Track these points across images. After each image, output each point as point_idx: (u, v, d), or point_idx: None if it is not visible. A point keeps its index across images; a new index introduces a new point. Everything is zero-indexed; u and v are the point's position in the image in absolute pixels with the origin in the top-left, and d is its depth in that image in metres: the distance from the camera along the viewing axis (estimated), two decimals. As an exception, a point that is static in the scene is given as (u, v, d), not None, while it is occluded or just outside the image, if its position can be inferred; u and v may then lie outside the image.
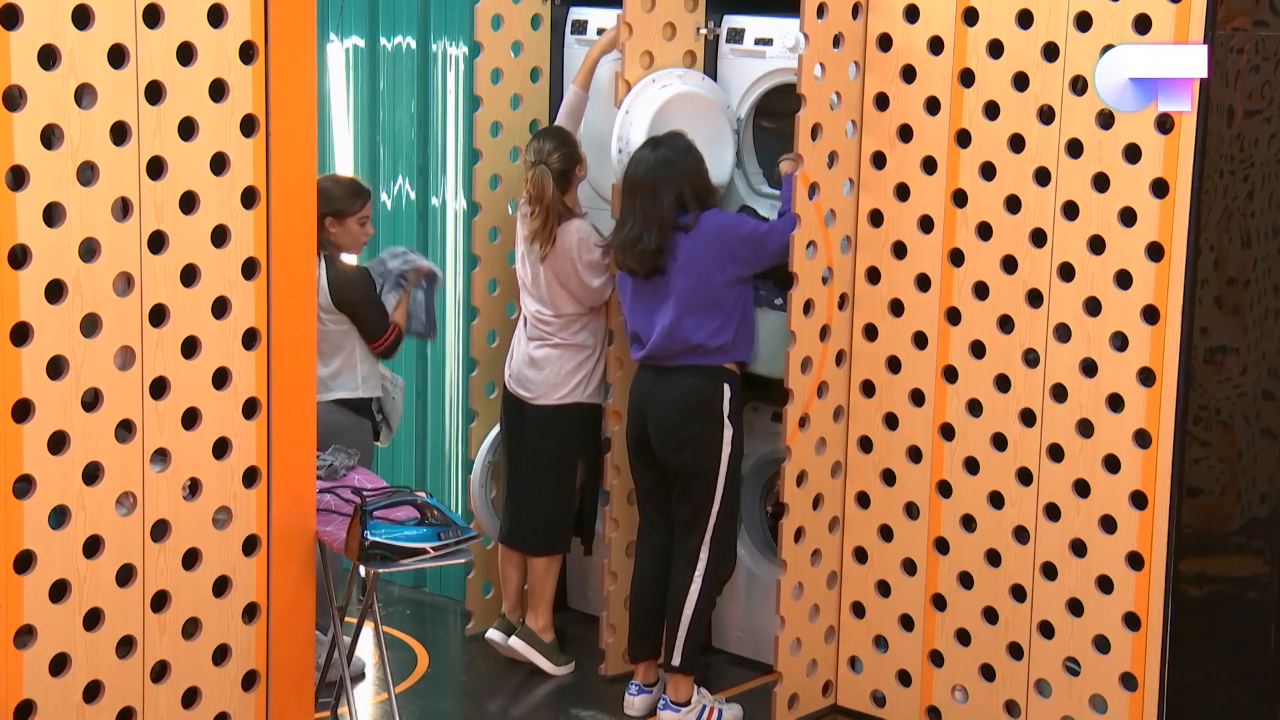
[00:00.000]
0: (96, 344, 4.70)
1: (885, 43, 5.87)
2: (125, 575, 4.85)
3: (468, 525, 5.77)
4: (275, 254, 5.03)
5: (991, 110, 5.66)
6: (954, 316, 5.83)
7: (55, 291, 4.60)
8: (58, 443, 4.67)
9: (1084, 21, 5.44)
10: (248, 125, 4.92)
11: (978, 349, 5.79)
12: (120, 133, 4.68)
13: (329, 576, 5.78)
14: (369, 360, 6.33)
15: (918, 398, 5.94)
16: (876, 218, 5.98)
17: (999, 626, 5.83)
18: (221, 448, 5.01)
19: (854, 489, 6.14)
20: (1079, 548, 5.64)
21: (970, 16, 5.67)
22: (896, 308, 5.96)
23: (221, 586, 5.06)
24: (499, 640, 6.68)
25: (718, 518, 6.07)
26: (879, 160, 5.94)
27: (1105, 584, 5.59)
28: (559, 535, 6.59)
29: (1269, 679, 5.43)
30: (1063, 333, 5.60)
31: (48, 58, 4.51)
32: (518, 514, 6.60)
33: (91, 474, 4.74)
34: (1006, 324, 5.71)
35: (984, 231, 5.73)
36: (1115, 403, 5.52)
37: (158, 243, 4.80)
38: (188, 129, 4.81)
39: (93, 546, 4.78)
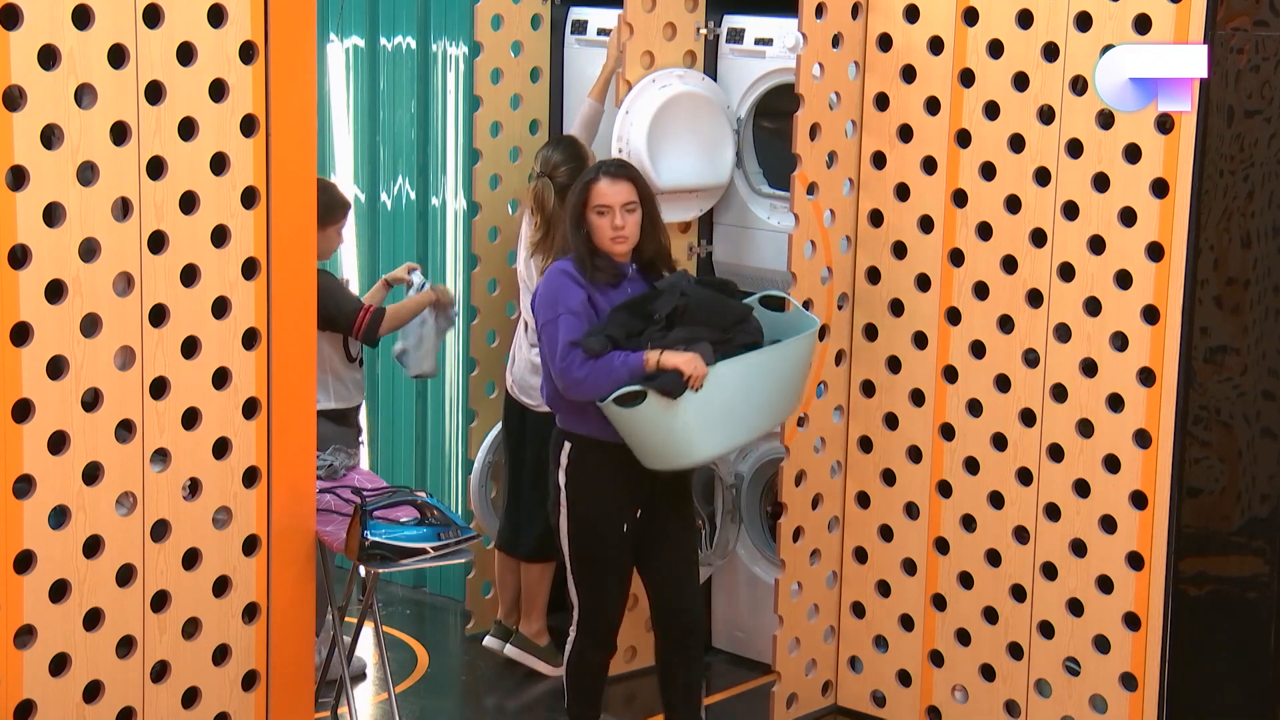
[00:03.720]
0: (96, 344, 4.70)
1: (885, 43, 5.87)
2: (125, 575, 4.85)
3: (468, 525, 5.78)
4: (275, 254, 5.03)
5: (991, 110, 5.66)
6: (954, 316, 5.83)
7: (55, 291, 4.60)
8: (58, 443, 4.66)
9: (1084, 21, 5.44)
10: (248, 125, 4.92)
11: (978, 349, 5.79)
12: (120, 133, 4.68)
13: (329, 576, 5.78)
14: (341, 372, 6.29)
15: (918, 398, 5.94)
16: (876, 218, 5.98)
17: (999, 626, 5.84)
18: (221, 448, 5.01)
19: (854, 489, 6.14)
20: (1079, 548, 5.64)
21: (970, 16, 5.67)
22: (896, 308, 5.96)
23: (221, 586, 5.06)
24: (495, 647, 6.68)
25: (576, 597, 5.48)
26: (879, 160, 5.94)
27: (1105, 584, 5.59)
28: (554, 542, 6.57)
29: (1269, 679, 5.43)
30: (1063, 333, 5.61)
31: (48, 58, 4.51)
32: (514, 520, 6.59)
33: (91, 474, 4.74)
34: (1006, 324, 5.71)
35: (984, 231, 5.73)
36: (1115, 403, 5.52)
37: (158, 243, 4.80)
38: (188, 129, 4.81)
39: (93, 546, 4.78)
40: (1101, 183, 5.47)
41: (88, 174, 4.63)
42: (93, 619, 4.79)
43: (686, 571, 5.52)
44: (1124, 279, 5.45)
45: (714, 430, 5.15)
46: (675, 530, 5.47)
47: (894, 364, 5.99)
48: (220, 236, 4.91)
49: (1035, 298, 5.64)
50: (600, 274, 5.27)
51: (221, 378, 4.97)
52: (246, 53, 4.89)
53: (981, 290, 5.76)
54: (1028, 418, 5.71)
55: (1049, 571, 5.71)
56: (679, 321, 5.18)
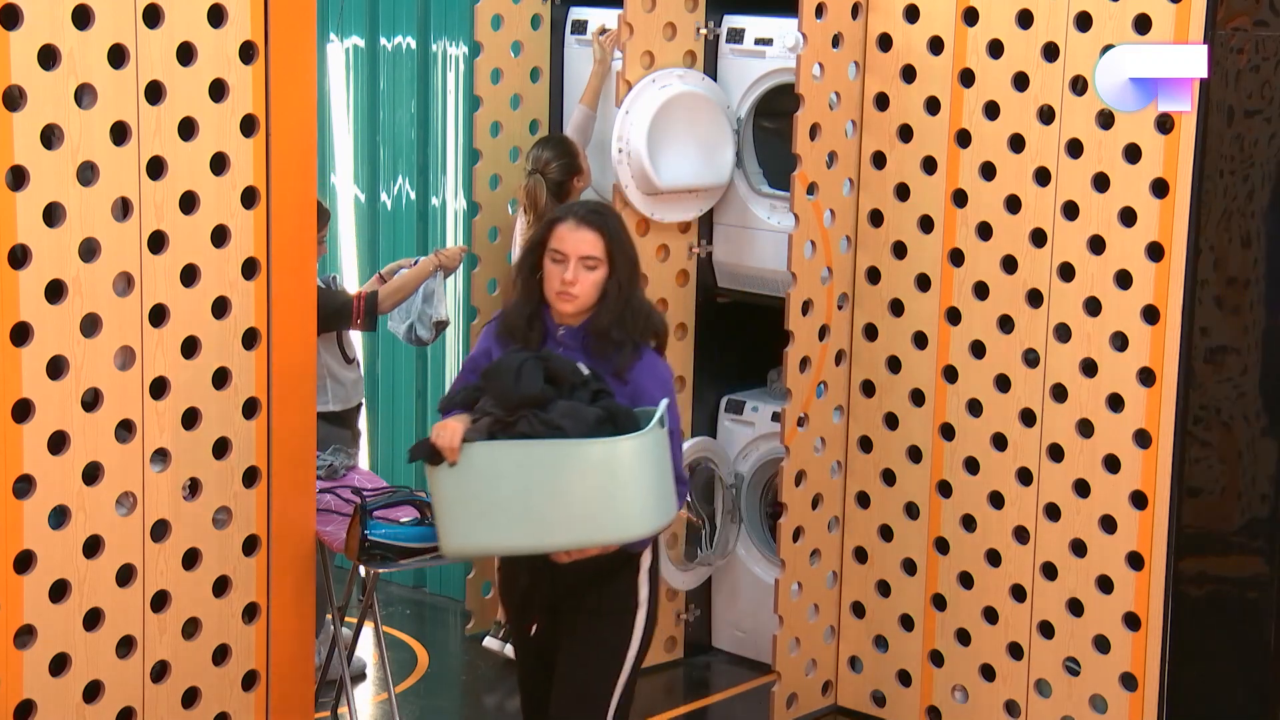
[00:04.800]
0: (96, 344, 4.70)
1: (885, 43, 5.87)
2: (125, 575, 4.85)
3: (468, 525, 5.76)
4: (275, 254, 5.03)
5: (991, 110, 5.66)
6: (954, 316, 5.83)
7: (55, 291, 4.60)
8: (58, 443, 4.66)
9: (1084, 21, 5.44)
10: (248, 125, 4.92)
11: (978, 349, 5.79)
12: (120, 133, 4.67)
13: (329, 576, 5.78)
14: (339, 373, 6.28)
15: (918, 398, 5.94)
16: (876, 218, 5.98)
17: (999, 626, 5.83)
18: (221, 448, 5.01)
19: (854, 489, 6.14)
20: (1079, 548, 5.64)
21: (970, 16, 5.67)
22: (896, 308, 5.96)
23: (221, 586, 5.06)
24: (495, 647, 6.68)
25: None
26: (879, 160, 5.94)
27: (1105, 584, 5.59)
28: None
29: (1269, 679, 5.43)
30: (1063, 333, 5.60)
31: (48, 58, 4.51)
32: None
33: (91, 474, 4.74)
34: (1006, 324, 5.71)
35: (984, 231, 5.73)
36: (1115, 403, 5.51)
37: (158, 243, 4.80)
38: (188, 129, 4.80)
39: (93, 546, 4.77)
40: (1101, 183, 5.47)
41: (88, 174, 4.63)
42: (93, 619, 4.79)
43: (564, 713, 4.55)
44: (1124, 279, 5.45)
45: (465, 519, 4.41)
46: (567, 653, 4.54)
47: (894, 364, 5.99)
48: (220, 236, 4.91)
49: (1035, 298, 5.64)
50: (510, 334, 4.57)
51: (221, 378, 4.97)
52: (246, 53, 4.89)
53: (981, 290, 5.76)
54: (1028, 418, 5.70)
55: (1049, 571, 5.71)
56: (486, 384, 4.51)
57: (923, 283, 5.88)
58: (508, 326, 4.57)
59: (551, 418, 4.37)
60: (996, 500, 5.80)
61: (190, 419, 4.93)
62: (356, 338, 6.57)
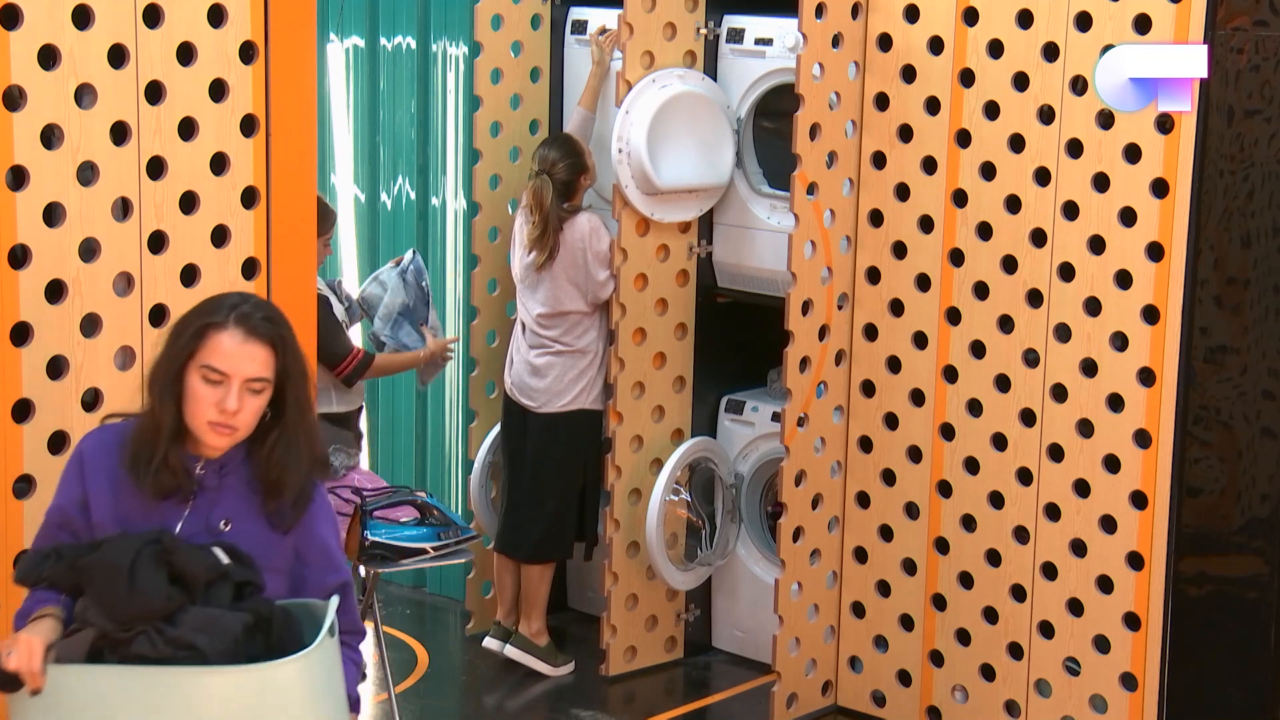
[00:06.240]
0: (96, 344, 4.69)
1: (885, 43, 5.87)
2: (125, 575, 4.84)
3: (468, 525, 5.77)
4: (275, 254, 5.02)
5: (991, 110, 5.66)
6: (954, 316, 5.83)
7: (55, 291, 4.59)
8: (58, 443, 4.66)
9: (1084, 21, 5.44)
10: (248, 125, 4.91)
11: (978, 349, 5.79)
12: (120, 133, 4.67)
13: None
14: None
15: (918, 398, 5.94)
16: (876, 218, 5.98)
17: (999, 626, 5.83)
18: (221, 448, 5.00)
19: (854, 489, 6.14)
20: (1079, 548, 5.64)
21: (970, 16, 5.67)
22: (896, 308, 5.96)
23: (221, 586, 5.05)
24: (495, 647, 6.68)
25: None
26: (879, 160, 5.94)
27: (1105, 584, 5.59)
28: (554, 544, 6.58)
29: (1269, 679, 5.43)
30: (1063, 333, 5.61)
31: (48, 58, 4.50)
32: (514, 522, 6.59)
33: (91, 474, 4.73)
34: (1006, 324, 5.72)
35: (984, 231, 5.73)
36: (1115, 403, 5.52)
37: (158, 243, 4.79)
38: (188, 129, 4.80)
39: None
40: (1101, 183, 5.47)
41: (88, 174, 4.62)
42: (93, 619, 4.78)
43: None
44: (1124, 279, 5.46)
45: None
46: None
47: (894, 364, 5.99)
48: (220, 236, 4.91)
49: (1035, 298, 5.64)
50: (140, 476, 3.52)
51: (221, 378, 4.96)
52: (246, 53, 4.88)
53: (981, 290, 5.76)
54: (1028, 418, 5.71)
55: (1049, 571, 5.71)
56: (86, 585, 3.43)
57: (923, 283, 5.89)
58: (135, 465, 3.51)
59: (181, 634, 3.34)
60: (996, 500, 5.80)
61: (190, 419, 4.92)
62: (356, 338, 6.57)
